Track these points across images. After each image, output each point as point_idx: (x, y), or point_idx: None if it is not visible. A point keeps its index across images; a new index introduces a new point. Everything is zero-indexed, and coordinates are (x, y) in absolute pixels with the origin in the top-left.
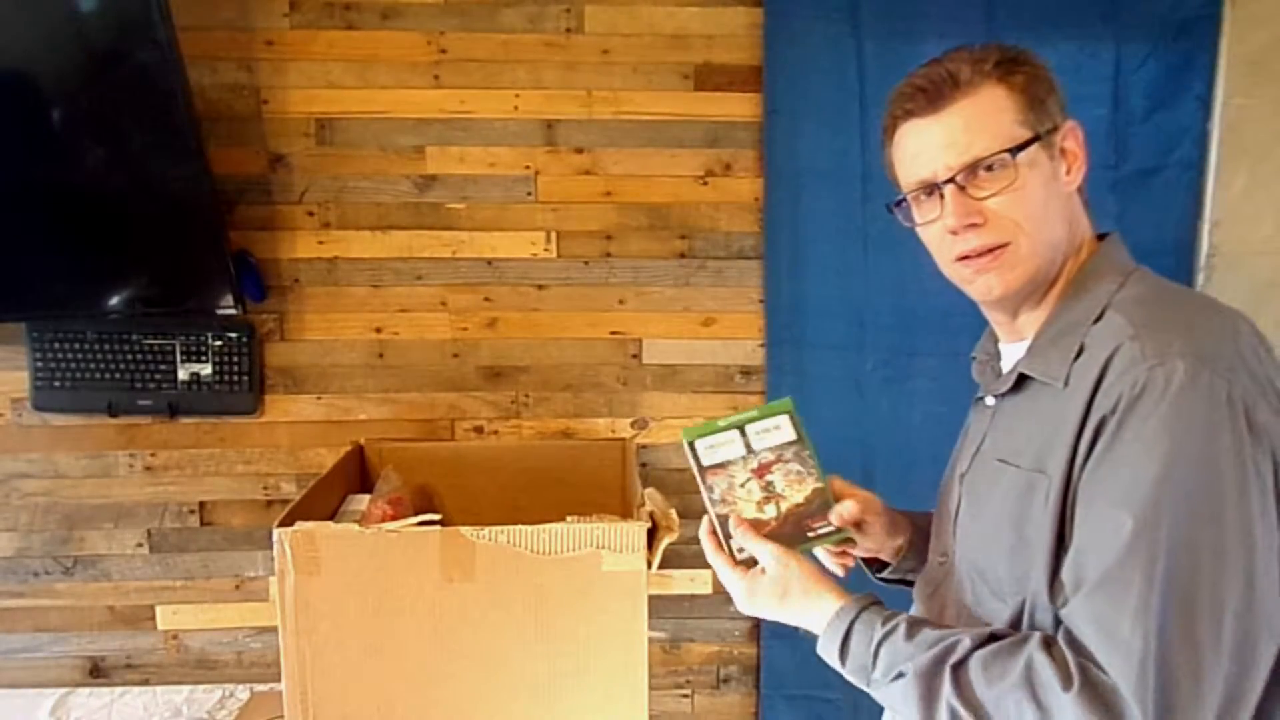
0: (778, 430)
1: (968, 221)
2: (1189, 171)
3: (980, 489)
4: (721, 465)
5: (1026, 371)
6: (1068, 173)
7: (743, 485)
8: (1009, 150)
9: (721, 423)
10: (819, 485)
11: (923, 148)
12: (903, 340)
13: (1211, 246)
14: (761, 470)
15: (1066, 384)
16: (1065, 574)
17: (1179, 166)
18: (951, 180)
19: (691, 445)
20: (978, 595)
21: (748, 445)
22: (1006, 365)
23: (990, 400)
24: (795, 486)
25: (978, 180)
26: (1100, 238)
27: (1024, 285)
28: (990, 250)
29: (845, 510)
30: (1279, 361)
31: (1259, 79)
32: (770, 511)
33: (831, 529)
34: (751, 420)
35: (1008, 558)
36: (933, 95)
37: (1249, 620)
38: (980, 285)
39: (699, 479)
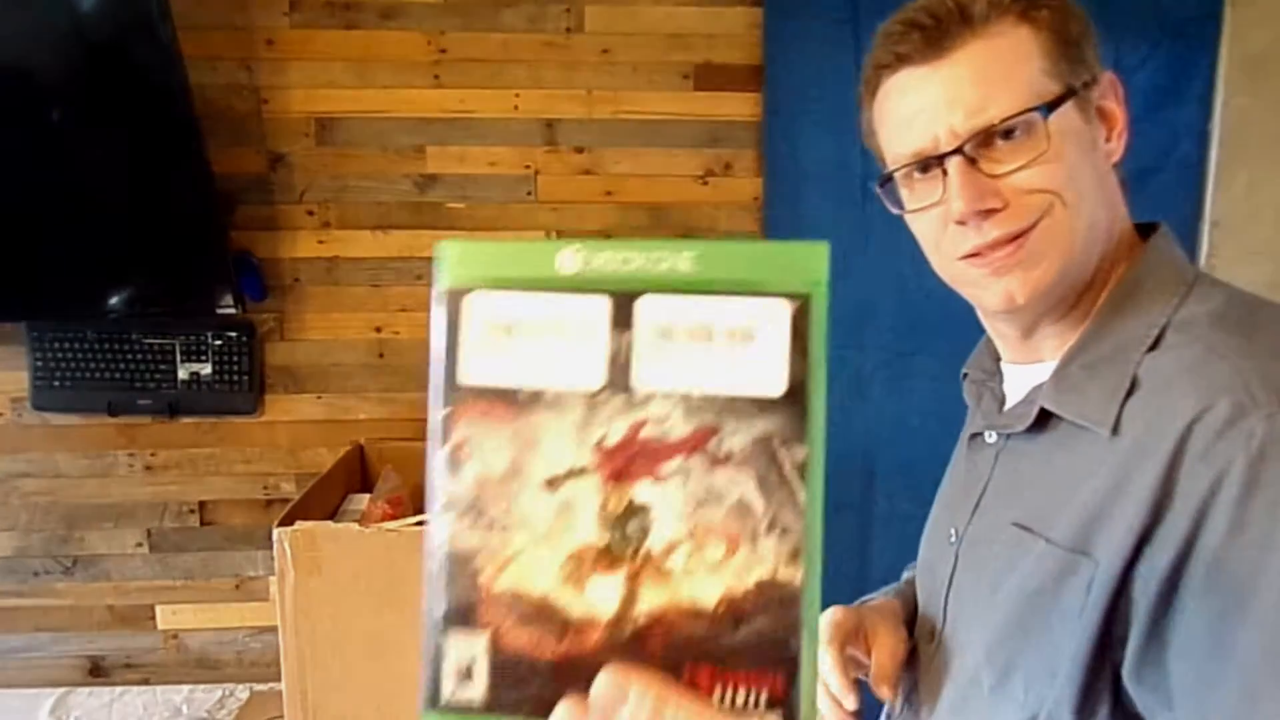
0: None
1: (982, 206)
2: (1189, 171)
3: (987, 559)
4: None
5: (1053, 409)
6: (1107, 139)
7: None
8: (1038, 109)
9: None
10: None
11: (920, 107)
12: (903, 340)
13: (1211, 246)
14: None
15: (1116, 431)
16: None
17: (1179, 166)
18: (959, 150)
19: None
20: (975, 691)
21: (619, 354)
22: (1012, 391)
23: (992, 437)
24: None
25: (995, 151)
26: (1142, 229)
27: (1054, 284)
28: (1013, 238)
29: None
30: None
31: (1259, 79)
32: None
33: None
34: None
35: (1026, 655)
36: (933, 35)
37: None
38: (998, 291)
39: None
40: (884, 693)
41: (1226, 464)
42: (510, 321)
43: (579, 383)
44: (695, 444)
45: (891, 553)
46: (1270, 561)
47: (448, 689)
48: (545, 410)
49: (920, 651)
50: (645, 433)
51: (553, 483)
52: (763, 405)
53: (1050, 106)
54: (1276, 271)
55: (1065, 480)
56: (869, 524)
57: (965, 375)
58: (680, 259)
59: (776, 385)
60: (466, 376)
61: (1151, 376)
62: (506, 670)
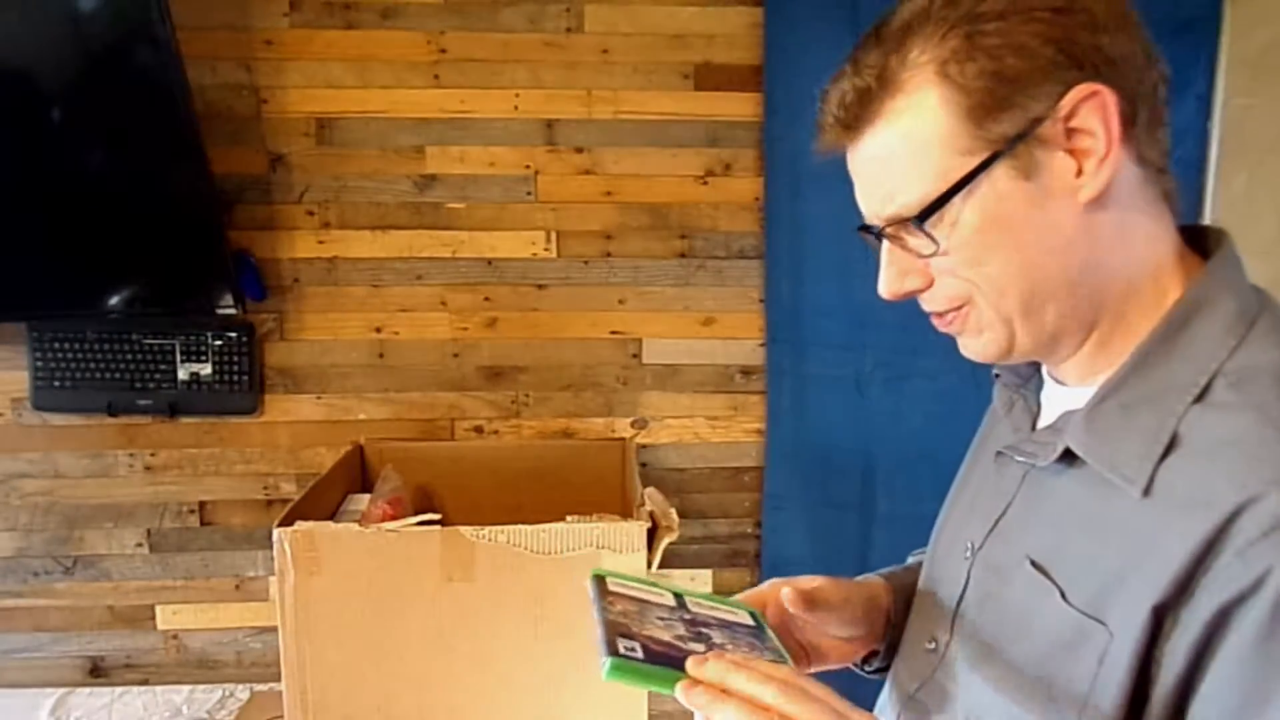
0: (732, 615)
1: (900, 290)
2: (1189, 171)
3: (1004, 599)
4: (637, 599)
5: (1080, 453)
6: (1079, 174)
7: (661, 619)
8: (944, 196)
9: (647, 579)
10: (775, 659)
11: (855, 179)
12: (903, 340)
13: None
14: (694, 624)
15: (1148, 493)
16: None
17: (1179, 166)
18: (883, 232)
19: (599, 580)
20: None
21: (680, 604)
22: (1048, 406)
23: (1021, 457)
24: (740, 650)
25: (913, 235)
26: (1198, 237)
27: (1018, 349)
28: (945, 313)
29: (790, 593)
30: None
31: (1259, 79)
32: (696, 648)
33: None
34: (694, 594)
35: (1034, 711)
36: (845, 119)
37: None
38: (964, 348)
39: (596, 607)
40: (789, 595)
41: (1266, 570)
42: None
43: (664, 601)
44: (717, 625)
45: (891, 553)
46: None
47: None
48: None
49: (922, 657)
50: (696, 616)
51: (665, 619)
52: (745, 626)
53: (959, 186)
54: (1277, 271)
55: (1088, 530)
56: (869, 524)
57: (997, 376)
58: None
59: (749, 622)
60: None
61: (1195, 437)
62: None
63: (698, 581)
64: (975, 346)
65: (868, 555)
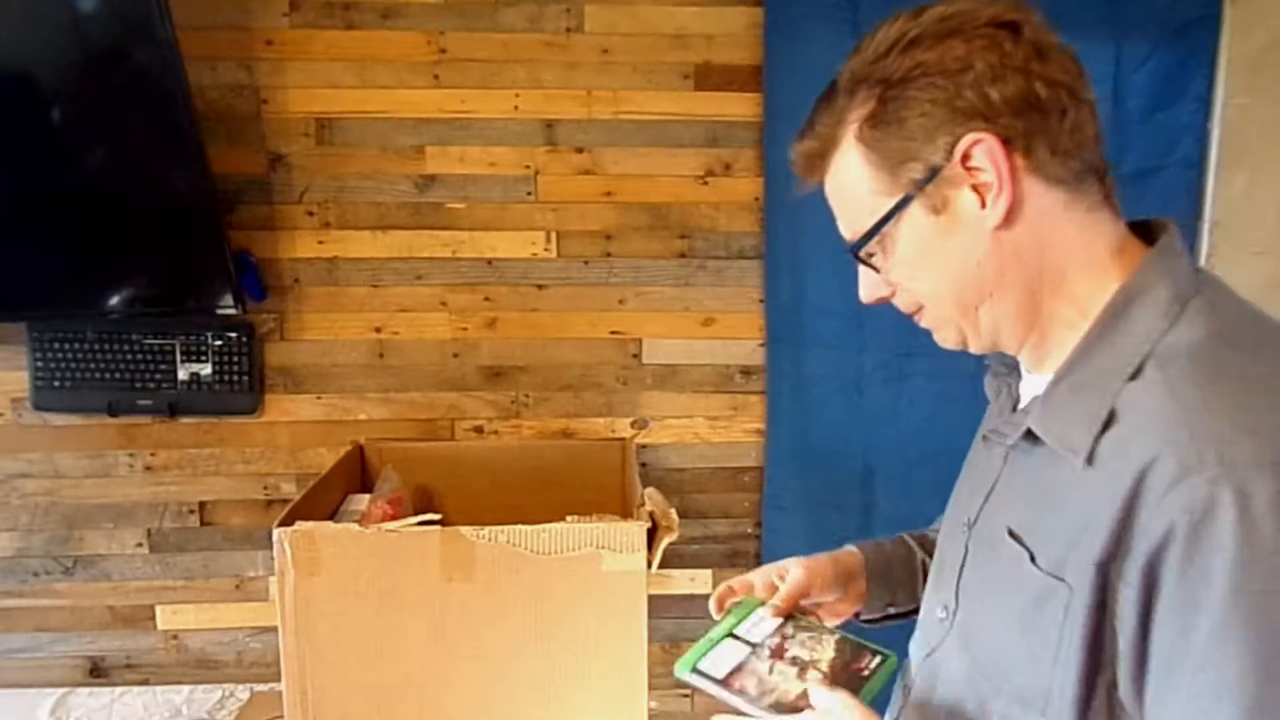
0: (763, 620)
1: (871, 298)
2: (1189, 171)
3: (991, 566)
4: (737, 670)
5: (1037, 431)
6: (983, 205)
7: (772, 672)
8: (873, 229)
9: (713, 635)
10: (837, 636)
11: None
12: (903, 340)
13: (1211, 246)
14: (778, 653)
15: (1090, 462)
16: None
17: (1179, 166)
18: (854, 252)
19: (695, 671)
20: (984, 682)
21: (747, 642)
22: (1024, 395)
23: (1000, 439)
24: (817, 648)
25: (872, 256)
26: (1147, 231)
27: (972, 348)
28: (914, 312)
29: (783, 595)
30: None
31: (1259, 79)
32: (814, 677)
33: (880, 660)
34: (735, 624)
35: (1021, 665)
36: (804, 169)
37: None
38: (934, 339)
39: (724, 694)
40: (779, 607)
41: (1172, 522)
42: None
43: (745, 652)
44: (782, 640)
45: None
46: (1199, 623)
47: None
48: None
49: (935, 626)
50: (770, 646)
51: (772, 670)
52: (781, 622)
53: (882, 224)
54: (1277, 271)
55: (1050, 499)
56: (869, 524)
57: (987, 366)
58: None
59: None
60: None
61: (1126, 412)
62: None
63: (698, 582)
64: (939, 338)
65: None
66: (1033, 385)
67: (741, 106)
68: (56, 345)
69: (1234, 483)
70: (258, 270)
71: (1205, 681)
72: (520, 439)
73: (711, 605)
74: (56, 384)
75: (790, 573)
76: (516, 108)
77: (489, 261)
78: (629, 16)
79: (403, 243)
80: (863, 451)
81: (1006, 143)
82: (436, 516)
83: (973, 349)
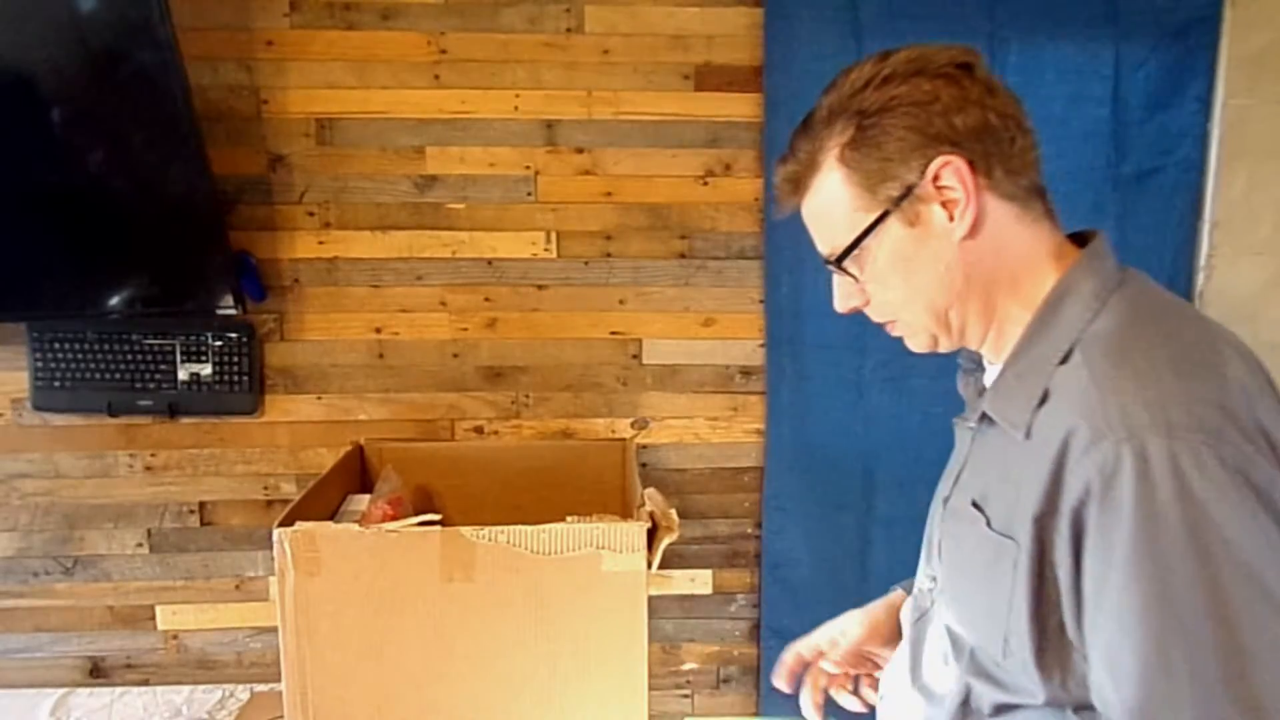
0: None
1: (846, 308)
2: (1189, 171)
3: (958, 529)
4: None
5: (988, 411)
6: (951, 219)
7: None
8: (853, 244)
9: None
10: None
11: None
12: (902, 341)
13: (1211, 246)
14: None
15: (1029, 435)
16: (1095, 699)
17: (1179, 166)
18: (828, 265)
19: None
20: (961, 633)
21: None
22: (987, 384)
23: (965, 422)
24: None
25: (842, 267)
26: (1083, 240)
27: (941, 347)
28: (887, 322)
29: (842, 653)
30: (1278, 391)
31: (1259, 79)
32: None
33: None
34: None
35: (985, 615)
36: (787, 191)
37: None
38: (907, 345)
39: None
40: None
41: (1088, 480)
42: None
43: None
44: None
45: (891, 553)
46: (1112, 565)
47: None
48: None
49: (925, 594)
50: None
51: None
52: None
53: (864, 236)
54: (1277, 271)
55: (1001, 470)
56: (868, 524)
57: (959, 365)
58: None
59: None
60: None
61: (1056, 391)
62: None
63: (698, 582)
64: (911, 344)
65: (867, 555)
66: (991, 375)
67: (741, 107)
68: (56, 345)
69: (1134, 445)
70: (258, 270)
71: (1118, 617)
72: (520, 439)
73: (780, 680)
74: (56, 384)
75: (849, 631)
76: (516, 108)
77: (489, 262)
78: (629, 17)
79: (403, 243)
80: (862, 452)
81: (970, 164)
82: (436, 516)
83: (942, 348)
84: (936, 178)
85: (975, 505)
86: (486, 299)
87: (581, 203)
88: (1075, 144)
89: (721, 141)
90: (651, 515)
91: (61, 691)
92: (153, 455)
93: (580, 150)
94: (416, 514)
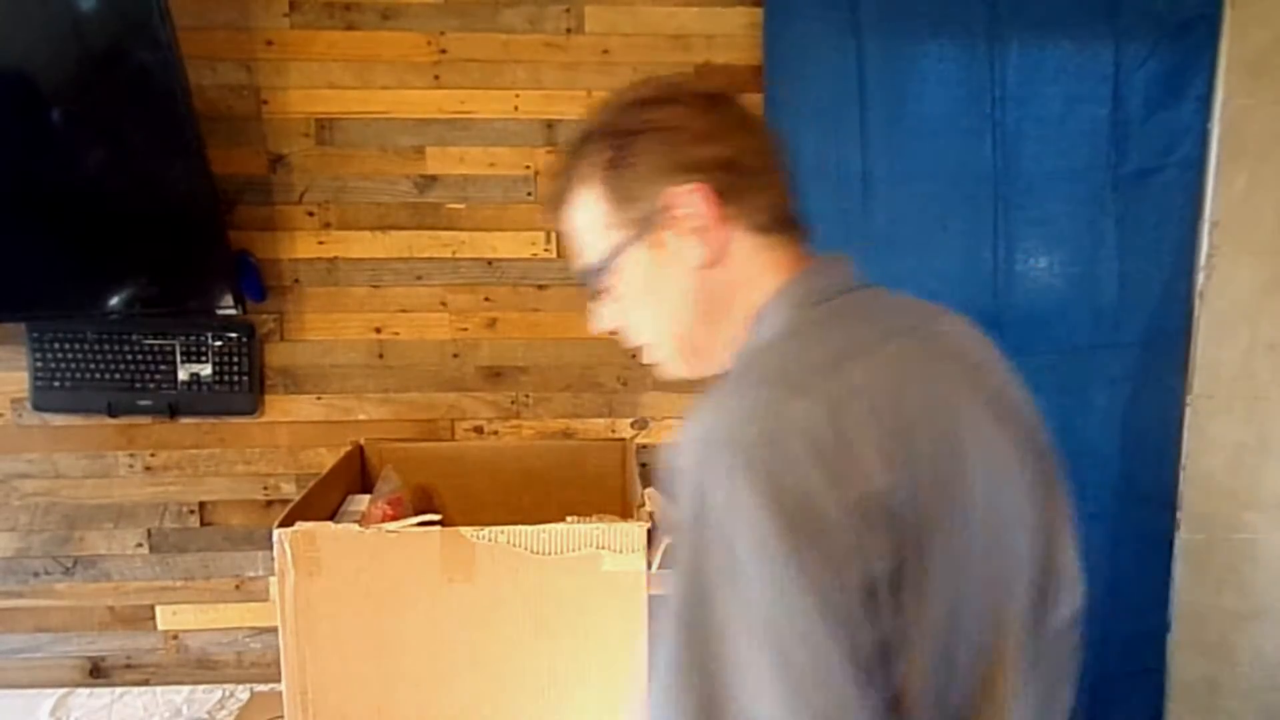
0: None
1: (599, 330)
2: (1189, 171)
3: None
4: None
5: None
6: (694, 245)
7: None
8: (592, 271)
9: None
10: None
11: None
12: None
13: (1211, 246)
14: None
15: None
16: None
17: (1179, 166)
18: (587, 281)
19: None
20: None
21: None
22: None
23: None
24: None
25: (592, 284)
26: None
27: (689, 372)
28: (637, 348)
29: None
30: (856, 462)
31: (1259, 79)
32: None
33: None
34: None
35: None
36: (549, 204)
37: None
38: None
39: None
40: None
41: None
42: None
43: None
44: None
45: None
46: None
47: None
48: None
49: None
50: None
51: None
52: None
53: (612, 256)
54: (1277, 271)
55: None
56: None
57: None
58: None
59: None
60: None
61: None
62: None
63: None
64: (662, 370)
65: None
66: None
67: None
68: (56, 345)
69: (692, 456)
70: (258, 270)
71: (669, 607)
72: (520, 439)
73: None
74: (56, 384)
75: None
76: (516, 108)
77: (489, 262)
78: (629, 17)
79: (403, 243)
80: None
81: (718, 194)
82: (436, 517)
83: (689, 374)
84: (680, 204)
85: None
86: (486, 299)
87: None
88: (1075, 144)
89: None
90: (652, 515)
91: (61, 692)
92: (153, 455)
93: None
94: (416, 514)
